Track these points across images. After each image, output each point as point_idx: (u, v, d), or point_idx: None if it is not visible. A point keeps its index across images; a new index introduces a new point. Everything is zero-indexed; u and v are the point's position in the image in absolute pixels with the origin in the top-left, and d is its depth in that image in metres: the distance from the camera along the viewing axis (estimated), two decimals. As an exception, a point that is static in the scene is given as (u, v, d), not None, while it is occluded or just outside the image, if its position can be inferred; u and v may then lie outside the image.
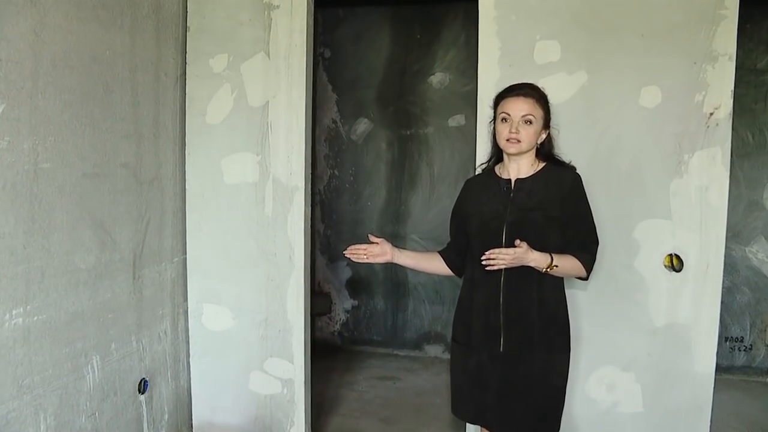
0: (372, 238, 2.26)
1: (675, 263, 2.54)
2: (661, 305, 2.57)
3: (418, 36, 4.47)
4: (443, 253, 2.35)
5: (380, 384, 4.11)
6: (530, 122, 2.09)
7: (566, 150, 2.54)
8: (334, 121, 4.68)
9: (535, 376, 2.11)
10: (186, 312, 3.09)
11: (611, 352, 2.63)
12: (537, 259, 2.01)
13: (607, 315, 2.62)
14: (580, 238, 2.12)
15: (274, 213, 2.91)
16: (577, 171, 2.19)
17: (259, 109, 2.89)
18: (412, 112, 4.52)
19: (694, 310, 2.55)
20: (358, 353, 4.72)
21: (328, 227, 4.79)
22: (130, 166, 2.63)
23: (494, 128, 2.18)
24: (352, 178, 4.69)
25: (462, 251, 2.28)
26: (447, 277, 2.42)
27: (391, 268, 4.65)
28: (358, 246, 2.24)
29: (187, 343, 3.11)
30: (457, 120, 4.33)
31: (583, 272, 2.11)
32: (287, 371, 2.97)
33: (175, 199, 2.98)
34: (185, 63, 2.98)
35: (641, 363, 2.60)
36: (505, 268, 2.05)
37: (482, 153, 2.66)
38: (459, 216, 2.29)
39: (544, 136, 2.16)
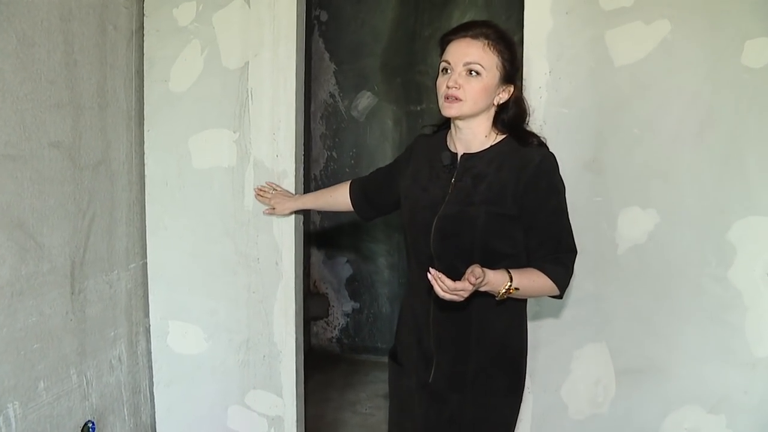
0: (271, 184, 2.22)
1: (785, 275, 1.92)
2: (763, 330, 1.95)
3: (430, -6, 3.81)
4: (353, 184, 1.98)
5: (387, 404, 3.50)
6: (476, 73, 1.52)
7: (641, 124, 1.94)
8: (332, 95, 4.02)
9: (463, 425, 1.62)
10: (147, 330, 2.47)
11: (694, 388, 2.01)
12: (492, 281, 1.42)
13: (689, 339, 2.00)
14: (549, 245, 1.55)
15: (256, 206, 2.27)
16: (551, 151, 1.61)
17: (236, 73, 2.24)
18: (423, 83, 3.85)
19: (811, 336, 1.94)
20: (361, 363, 4.10)
21: (325, 219, 4.14)
22: (63, 145, 1.99)
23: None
24: (353, 162, 4.04)
25: (376, 201, 1.92)
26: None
27: (398, 266, 4.03)
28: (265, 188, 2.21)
29: (150, 369, 2.49)
30: (475, 93, 3.68)
31: (554, 290, 1.56)
32: (275, 407, 2.35)
33: (131, 188, 2.33)
34: (143, 15, 2.32)
35: (735, 404, 1.98)
36: (436, 269, 1.40)
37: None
38: (394, 169, 1.85)
39: (504, 96, 1.59)
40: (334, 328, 4.23)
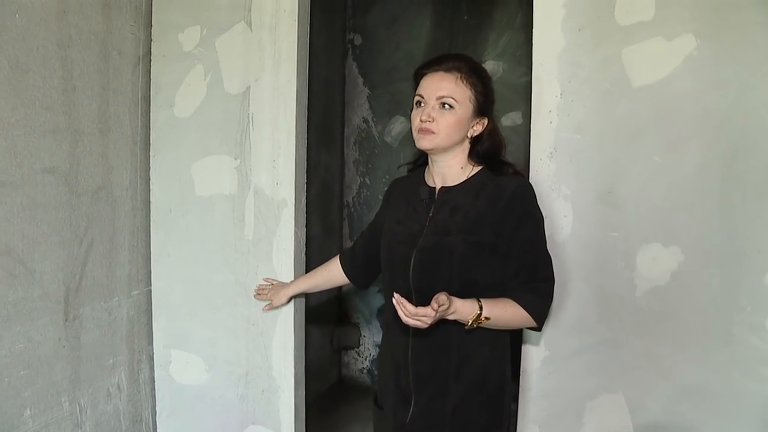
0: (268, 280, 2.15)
1: (834, 325, 1.66)
2: (810, 388, 1.69)
3: (466, 17, 3.68)
4: (342, 256, 1.96)
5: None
6: (449, 106, 1.53)
7: (662, 151, 1.74)
8: (366, 120, 3.95)
9: None
10: (151, 359, 2.42)
11: (729, 453, 1.77)
12: (459, 310, 1.41)
13: (719, 395, 1.76)
14: (524, 274, 1.53)
15: (255, 235, 2.20)
16: (527, 180, 1.65)
17: (237, 98, 2.19)
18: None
19: None
20: (391, 396, 3.94)
21: (357, 246, 4.04)
22: (59, 171, 1.98)
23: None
24: (386, 188, 3.92)
25: (366, 262, 1.86)
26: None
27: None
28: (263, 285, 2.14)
29: (153, 398, 2.44)
30: (512, 118, 3.51)
31: (530, 321, 1.53)
32: (272, 444, 2.25)
33: (135, 214, 2.31)
34: (150, 40, 2.31)
35: (776, 473, 1.73)
36: (415, 304, 1.40)
37: (538, 155, 1.87)
38: (376, 225, 1.83)
39: (478, 128, 1.59)
40: (365, 359, 4.10)
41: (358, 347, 4.11)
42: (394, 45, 3.84)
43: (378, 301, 4.02)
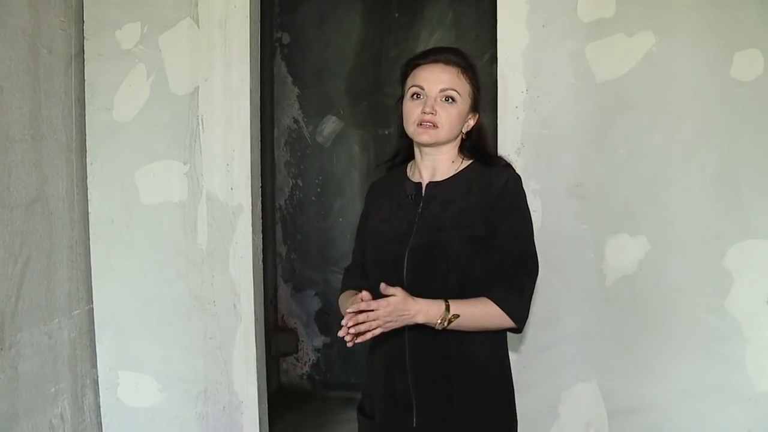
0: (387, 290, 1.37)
1: (786, 302, 1.79)
2: (766, 362, 1.81)
3: (397, 15, 3.66)
4: (342, 288, 1.70)
5: (362, 446, 3.28)
6: (452, 100, 1.47)
7: (626, 144, 1.81)
8: (296, 121, 3.84)
9: None
10: (95, 383, 2.23)
11: (694, 427, 1.86)
12: (423, 311, 1.36)
13: (686, 375, 1.85)
14: (504, 267, 1.45)
15: (210, 244, 2.07)
16: (516, 171, 1.54)
17: (185, 99, 2.06)
18: (390, 106, 3.70)
19: (817, 368, 1.80)
20: (333, 400, 3.86)
21: (292, 250, 3.93)
22: (-12, 184, 1.77)
23: (401, 109, 1.54)
24: (319, 190, 3.85)
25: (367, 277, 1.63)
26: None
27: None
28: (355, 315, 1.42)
29: (99, 425, 2.25)
30: (445, 115, 3.53)
31: (507, 321, 1.43)
32: (237, 464, 2.13)
33: (72, 227, 2.11)
34: (83, 37, 2.12)
35: (739, 443, 1.84)
36: None
37: (506, 150, 1.88)
38: (362, 233, 1.68)
39: (471, 123, 1.55)
40: (305, 364, 4.00)
41: (296, 353, 4.00)
42: (323, 43, 3.75)
43: (315, 304, 3.94)
